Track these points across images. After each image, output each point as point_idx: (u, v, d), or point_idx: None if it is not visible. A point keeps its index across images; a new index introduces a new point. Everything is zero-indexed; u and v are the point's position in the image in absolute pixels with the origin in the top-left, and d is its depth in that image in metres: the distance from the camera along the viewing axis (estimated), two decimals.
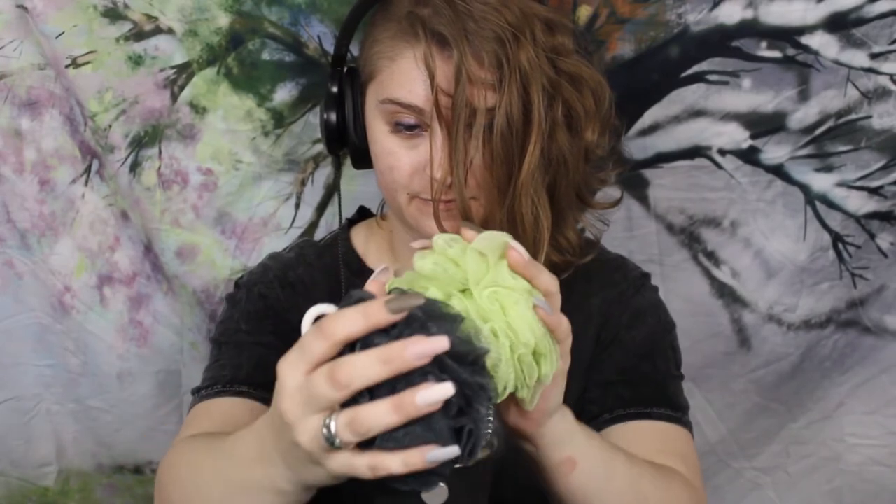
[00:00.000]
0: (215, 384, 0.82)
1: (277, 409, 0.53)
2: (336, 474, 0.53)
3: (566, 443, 0.67)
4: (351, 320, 0.51)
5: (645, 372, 0.84)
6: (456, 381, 0.49)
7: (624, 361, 0.85)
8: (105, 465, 1.23)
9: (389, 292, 0.55)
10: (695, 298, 1.13)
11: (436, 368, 0.49)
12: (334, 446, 0.51)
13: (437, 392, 0.48)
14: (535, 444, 0.67)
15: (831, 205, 1.09)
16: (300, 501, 0.61)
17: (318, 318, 0.53)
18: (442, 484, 0.58)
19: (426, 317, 0.50)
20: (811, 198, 1.09)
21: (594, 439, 0.70)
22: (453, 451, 0.49)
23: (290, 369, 0.53)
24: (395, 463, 0.50)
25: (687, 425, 0.84)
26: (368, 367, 0.49)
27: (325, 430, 0.51)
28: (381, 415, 0.49)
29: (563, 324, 0.61)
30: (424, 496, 0.58)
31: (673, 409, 0.83)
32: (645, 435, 0.79)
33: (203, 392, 0.83)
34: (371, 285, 0.57)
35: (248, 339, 0.85)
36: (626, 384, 0.83)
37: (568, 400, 0.67)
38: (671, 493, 0.73)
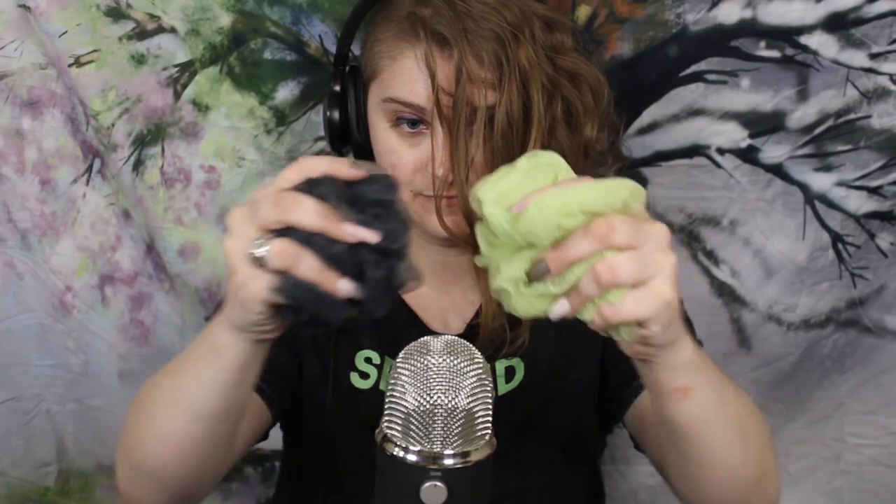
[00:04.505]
0: None
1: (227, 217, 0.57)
2: (246, 291, 0.56)
3: (682, 371, 0.62)
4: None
5: None
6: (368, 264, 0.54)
7: None
8: (105, 465, 1.23)
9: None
10: (694, 297, 1.13)
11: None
12: (259, 262, 0.54)
13: (349, 289, 0.54)
14: (648, 368, 0.62)
15: (830, 204, 1.10)
16: (231, 358, 0.63)
17: None
18: (440, 484, 0.58)
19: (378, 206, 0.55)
20: (810, 197, 1.10)
21: (709, 367, 0.65)
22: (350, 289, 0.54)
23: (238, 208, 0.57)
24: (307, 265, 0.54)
25: None
26: (309, 210, 0.53)
27: (255, 243, 0.54)
28: (309, 265, 0.54)
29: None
30: (423, 496, 0.58)
31: None
32: None
33: None
34: None
35: None
36: None
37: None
38: (763, 424, 0.72)
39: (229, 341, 0.61)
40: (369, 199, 0.55)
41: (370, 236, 0.54)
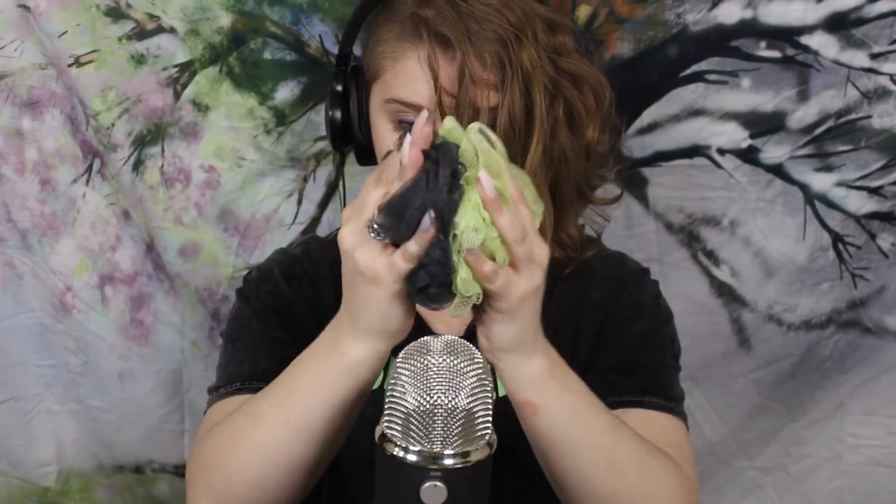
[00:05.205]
0: (233, 381, 0.82)
1: (340, 242, 0.62)
2: (389, 279, 0.60)
3: (527, 386, 0.66)
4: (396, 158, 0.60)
5: (641, 361, 0.84)
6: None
7: (622, 351, 0.85)
8: (106, 465, 1.23)
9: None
10: (694, 297, 1.13)
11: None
12: (378, 235, 0.59)
13: (415, 138, 0.58)
14: (500, 377, 0.66)
15: (831, 204, 1.10)
16: (366, 370, 0.66)
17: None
18: (440, 484, 0.58)
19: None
20: (811, 197, 1.10)
21: (569, 393, 0.68)
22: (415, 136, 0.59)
23: (347, 211, 0.62)
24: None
25: (680, 415, 0.83)
26: (392, 162, 0.59)
27: (369, 228, 0.59)
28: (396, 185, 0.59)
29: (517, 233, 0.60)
30: (423, 496, 0.58)
31: (666, 398, 0.82)
32: (635, 424, 0.78)
33: (222, 390, 0.82)
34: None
35: (260, 336, 0.85)
36: (621, 372, 0.83)
37: None
38: (654, 471, 0.72)
39: (367, 354, 0.65)
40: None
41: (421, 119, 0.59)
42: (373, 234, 0.59)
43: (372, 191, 0.60)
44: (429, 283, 0.60)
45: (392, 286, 0.60)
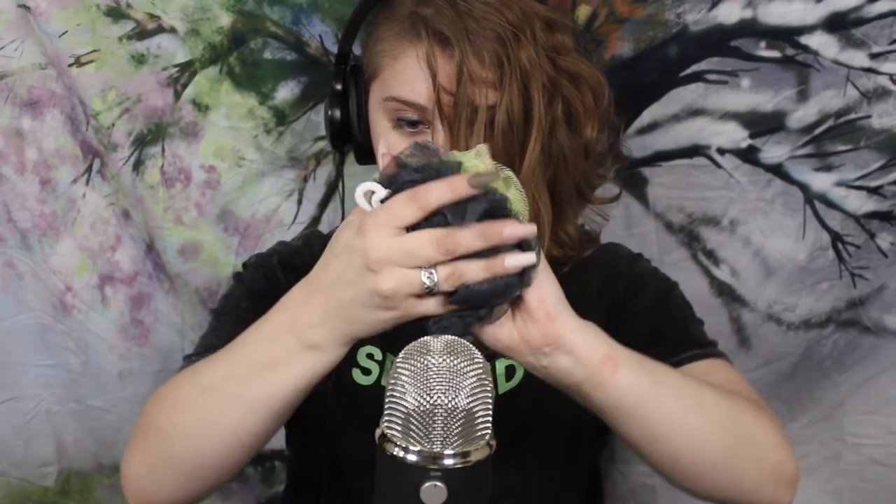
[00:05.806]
0: (207, 352, 0.80)
1: (360, 254, 0.59)
2: (412, 315, 0.61)
3: (602, 342, 0.65)
4: (440, 191, 0.59)
5: (662, 327, 0.83)
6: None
7: (639, 327, 0.83)
8: (105, 465, 1.23)
9: None
10: (694, 297, 1.11)
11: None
12: (432, 293, 0.59)
13: (524, 259, 0.60)
14: (567, 349, 0.63)
15: (830, 204, 1.10)
16: (329, 363, 0.65)
17: (365, 193, 0.63)
18: (440, 484, 0.58)
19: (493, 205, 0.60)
20: (810, 197, 1.10)
21: (629, 348, 0.67)
22: (529, 258, 0.60)
23: (381, 227, 0.59)
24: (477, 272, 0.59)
25: (722, 356, 0.81)
26: (471, 239, 0.58)
27: (427, 281, 0.59)
28: (476, 270, 0.59)
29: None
30: (423, 496, 0.58)
31: (700, 346, 0.81)
32: None
33: (194, 358, 0.82)
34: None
35: (247, 315, 0.84)
36: (647, 345, 0.79)
37: None
38: (735, 402, 0.69)
39: (339, 350, 0.64)
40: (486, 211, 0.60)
41: (525, 230, 0.60)
42: (432, 295, 0.60)
43: (425, 243, 0.59)
44: (464, 332, 0.62)
45: (408, 317, 0.61)
